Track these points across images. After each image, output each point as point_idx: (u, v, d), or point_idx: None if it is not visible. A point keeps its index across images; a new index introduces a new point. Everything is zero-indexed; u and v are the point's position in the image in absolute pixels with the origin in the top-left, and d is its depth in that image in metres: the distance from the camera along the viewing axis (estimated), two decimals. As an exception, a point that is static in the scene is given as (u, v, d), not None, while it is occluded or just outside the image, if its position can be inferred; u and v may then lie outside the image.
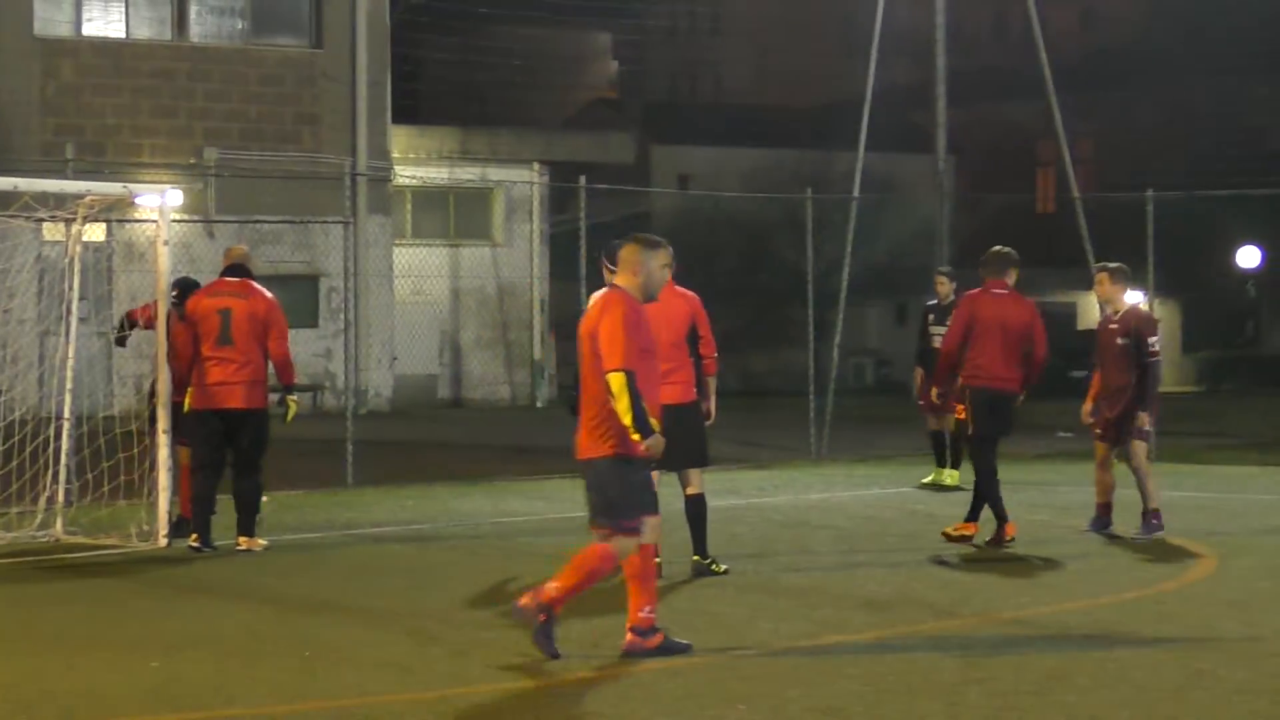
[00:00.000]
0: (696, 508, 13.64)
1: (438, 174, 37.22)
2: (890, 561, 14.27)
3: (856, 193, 27.80)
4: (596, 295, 10.71)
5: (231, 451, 15.22)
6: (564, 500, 19.29)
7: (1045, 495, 18.97)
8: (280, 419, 15.25)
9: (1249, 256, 32.11)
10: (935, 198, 28.78)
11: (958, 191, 47.63)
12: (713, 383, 13.82)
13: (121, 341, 16.30)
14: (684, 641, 10.56)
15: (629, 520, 10.26)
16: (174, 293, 15.68)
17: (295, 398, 15.41)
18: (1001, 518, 15.03)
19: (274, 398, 15.38)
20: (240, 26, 35.63)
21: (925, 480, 20.28)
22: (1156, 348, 15.48)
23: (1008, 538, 15.01)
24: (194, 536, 15.04)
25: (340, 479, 20.12)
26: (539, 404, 38.73)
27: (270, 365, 15.31)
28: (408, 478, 21.06)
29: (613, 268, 14.01)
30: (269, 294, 15.38)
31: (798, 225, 26.36)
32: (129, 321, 15.98)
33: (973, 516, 15.08)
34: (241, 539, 15.12)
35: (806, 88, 65.31)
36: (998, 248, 15.48)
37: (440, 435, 29.48)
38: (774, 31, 69.78)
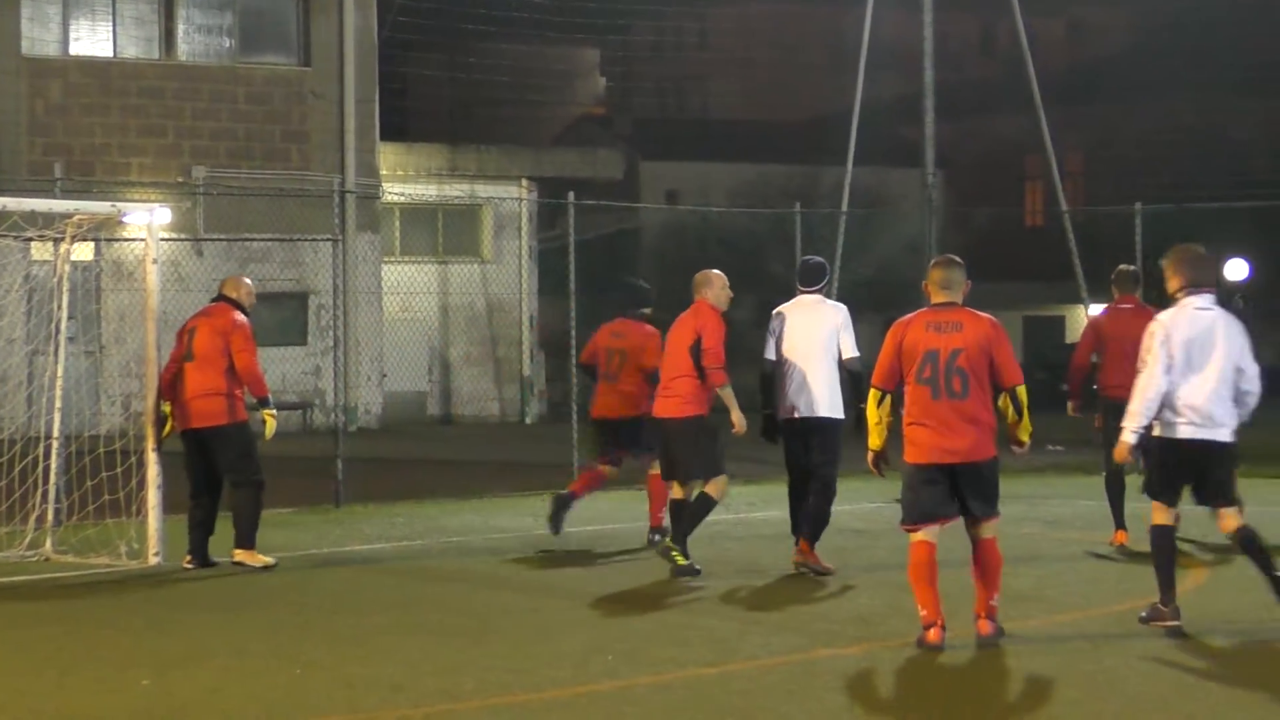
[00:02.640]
0: (702, 503, 14.42)
1: (426, 191, 37.22)
2: (880, 575, 14.28)
3: (845, 207, 27.84)
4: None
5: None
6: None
7: (1034, 508, 18.96)
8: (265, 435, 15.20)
9: (1237, 269, 32.12)
10: (923, 212, 28.78)
11: (946, 205, 47.68)
12: (726, 394, 14.27)
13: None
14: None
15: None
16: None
17: (272, 412, 15.19)
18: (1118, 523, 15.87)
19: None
20: (228, 45, 35.63)
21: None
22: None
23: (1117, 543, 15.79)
24: (187, 557, 15.04)
25: (330, 497, 20.10)
26: (528, 420, 38.72)
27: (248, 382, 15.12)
28: (397, 495, 21.04)
29: (810, 286, 14.48)
30: (240, 316, 15.12)
31: (786, 240, 26.38)
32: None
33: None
34: (236, 552, 15.04)
35: (794, 102, 65.36)
36: (1127, 265, 16.32)
37: (430, 452, 29.47)
38: (761, 46, 69.85)
